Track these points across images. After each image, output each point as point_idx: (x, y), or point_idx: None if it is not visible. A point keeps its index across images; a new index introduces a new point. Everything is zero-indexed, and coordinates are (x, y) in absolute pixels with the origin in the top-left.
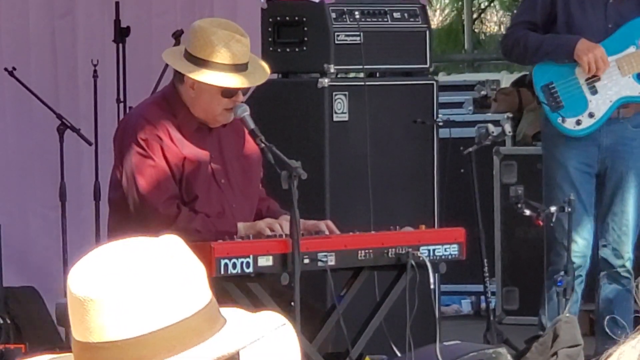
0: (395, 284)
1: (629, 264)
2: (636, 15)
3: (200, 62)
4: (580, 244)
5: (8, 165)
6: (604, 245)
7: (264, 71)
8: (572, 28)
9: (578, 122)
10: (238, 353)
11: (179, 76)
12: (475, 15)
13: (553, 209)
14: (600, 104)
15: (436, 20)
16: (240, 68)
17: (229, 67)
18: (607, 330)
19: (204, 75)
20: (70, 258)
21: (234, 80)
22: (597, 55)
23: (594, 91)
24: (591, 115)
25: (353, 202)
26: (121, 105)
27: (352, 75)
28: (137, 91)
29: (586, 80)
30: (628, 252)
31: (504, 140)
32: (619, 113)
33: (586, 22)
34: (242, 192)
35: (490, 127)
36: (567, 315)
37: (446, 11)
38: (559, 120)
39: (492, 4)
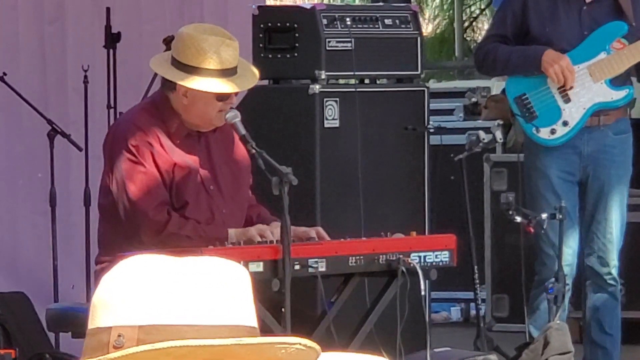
0: (385, 290)
1: (614, 272)
2: (611, 19)
3: (191, 70)
4: (567, 253)
5: None
6: (590, 254)
7: (253, 73)
8: (547, 38)
9: (552, 132)
10: None
11: (169, 84)
12: (467, 24)
13: (544, 215)
14: (573, 112)
15: (430, 29)
16: (230, 72)
17: (220, 72)
18: (595, 337)
19: (197, 83)
20: (60, 264)
21: (227, 86)
22: (563, 66)
23: (567, 99)
24: (565, 123)
25: (344, 208)
26: (112, 111)
27: (343, 81)
28: (127, 97)
29: (558, 89)
30: (614, 259)
31: (494, 147)
32: (600, 120)
33: (561, 31)
34: (231, 197)
35: (481, 134)
36: (558, 322)
37: (437, 20)
38: (533, 130)
39: (483, 12)
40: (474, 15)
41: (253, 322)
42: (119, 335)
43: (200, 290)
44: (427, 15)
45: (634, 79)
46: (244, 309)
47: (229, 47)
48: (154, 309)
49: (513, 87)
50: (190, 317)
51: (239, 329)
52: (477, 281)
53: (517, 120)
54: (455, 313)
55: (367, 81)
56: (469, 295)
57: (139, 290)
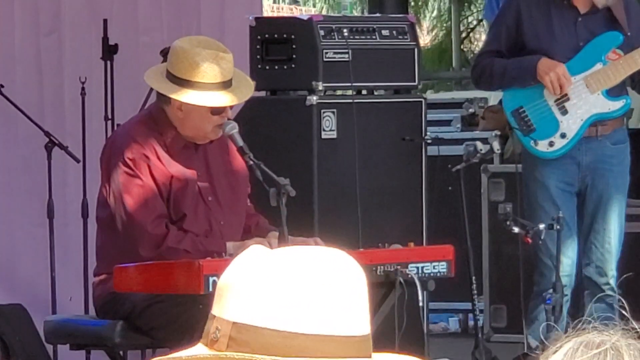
0: (383, 301)
1: (613, 282)
2: (606, 30)
3: (186, 83)
4: (565, 263)
5: None
6: (588, 264)
7: (249, 85)
8: (542, 51)
9: (551, 144)
10: None
11: (164, 97)
12: (464, 35)
13: (542, 226)
14: (571, 124)
15: (428, 40)
16: (225, 85)
17: (215, 85)
18: None
19: (191, 97)
20: (58, 276)
21: (223, 99)
22: (559, 73)
23: (564, 111)
24: (563, 135)
25: (341, 219)
26: (109, 122)
27: (340, 92)
28: (125, 108)
29: (555, 101)
30: (612, 269)
31: (492, 158)
32: (597, 131)
33: (556, 43)
34: (229, 208)
35: (479, 144)
36: (557, 333)
37: (435, 31)
38: (532, 143)
39: (480, 23)
40: (471, 26)
41: (361, 330)
42: (217, 329)
43: (305, 295)
44: (424, 26)
45: (629, 89)
46: (351, 316)
47: (223, 59)
48: (251, 307)
49: (509, 101)
50: (284, 322)
51: (334, 340)
52: (475, 292)
53: (515, 134)
54: (453, 324)
55: (364, 92)
56: (467, 305)
57: (244, 285)
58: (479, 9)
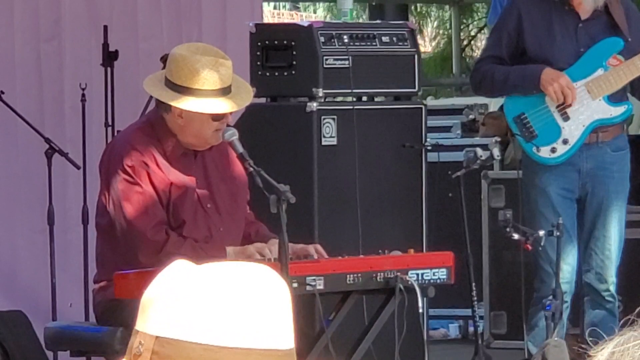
0: (383, 308)
1: (612, 288)
2: (607, 36)
3: (185, 90)
4: (565, 270)
5: None
6: (588, 270)
7: (248, 91)
8: (544, 57)
9: (553, 150)
10: None
11: (164, 105)
12: (465, 42)
13: (542, 232)
14: (573, 130)
15: (430, 47)
16: (225, 91)
17: (215, 92)
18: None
19: (191, 104)
20: (58, 282)
21: (223, 105)
22: (562, 84)
23: (566, 117)
24: (565, 141)
25: (342, 226)
26: (109, 129)
27: (340, 99)
28: (125, 115)
29: (557, 107)
30: (612, 276)
31: (492, 164)
32: (598, 137)
33: (557, 49)
34: (229, 214)
35: (479, 151)
36: (556, 339)
37: (437, 39)
38: (534, 149)
39: (482, 31)
40: (472, 34)
41: (285, 344)
42: (140, 343)
43: (227, 308)
44: (426, 34)
45: (629, 95)
46: (274, 330)
47: (223, 66)
48: (174, 321)
49: (511, 107)
50: (206, 336)
51: (257, 353)
52: (475, 298)
53: (517, 140)
54: (453, 330)
55: (364, 99)
56: (467, 312)
57: (166, 299)
58: (480, 17)
